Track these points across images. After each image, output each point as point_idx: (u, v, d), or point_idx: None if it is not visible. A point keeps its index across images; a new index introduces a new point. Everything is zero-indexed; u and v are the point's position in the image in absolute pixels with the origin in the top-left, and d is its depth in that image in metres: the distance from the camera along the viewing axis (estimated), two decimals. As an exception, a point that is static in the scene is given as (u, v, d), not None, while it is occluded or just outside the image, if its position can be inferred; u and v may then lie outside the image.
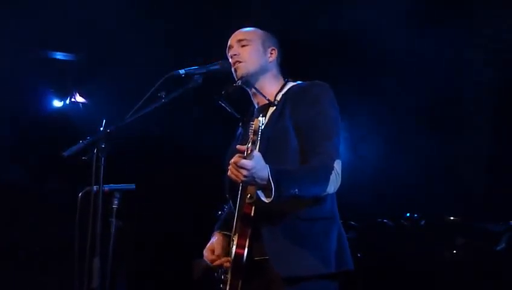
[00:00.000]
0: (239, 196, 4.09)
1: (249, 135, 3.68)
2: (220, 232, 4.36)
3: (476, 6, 7.15)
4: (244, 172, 3.62)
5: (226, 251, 4.21)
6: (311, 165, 3.97)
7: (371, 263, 6.04)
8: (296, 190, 3.78)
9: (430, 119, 6.98)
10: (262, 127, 3.63)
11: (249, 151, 3.59)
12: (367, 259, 6.05)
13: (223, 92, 4.30)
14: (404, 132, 6.79)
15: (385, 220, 6.27)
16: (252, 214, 3.94)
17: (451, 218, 6.24)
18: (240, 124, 4.50)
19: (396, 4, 6.85)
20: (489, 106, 6.91)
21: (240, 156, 3.63)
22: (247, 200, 3.92)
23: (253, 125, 3.56)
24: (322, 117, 4.10)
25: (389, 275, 6.00)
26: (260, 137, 3.73)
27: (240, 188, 4.06)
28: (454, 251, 6.10)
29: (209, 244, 4.35)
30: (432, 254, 6.12)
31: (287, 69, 4.43)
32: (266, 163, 3.77)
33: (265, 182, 3.68)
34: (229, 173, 3.73)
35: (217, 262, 4.22)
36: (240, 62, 4.28)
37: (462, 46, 6.89)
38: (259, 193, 3.77)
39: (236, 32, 4.42)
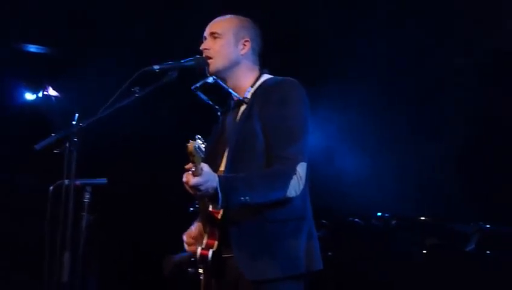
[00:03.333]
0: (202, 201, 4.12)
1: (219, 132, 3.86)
2: (199, 219, 4.35)
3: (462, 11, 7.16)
4: (196, 190, 3.69)
5: (202, 235, 4.22)
6: (271, 170, 3.99)
7: (341, 262, 6.04)
8: (247, 198, 3.81)
9: (402, 121, 7.00)
10: (202, 146, 3.67)
11: (194, 169, 3.64)
12: (338, 258, 6.05)
13: (196, 86, 4.28)
14: (376, 134, 6.79)
15: (356, 220, 6.26)
16: (219, 217, 3.96)
17: (422, 218, 6.26)
18: (219, 120, 4.44)
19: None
20: (460, 109, 6.93)
21: (188, 174, 3.69)
22: (211, 207, 3.97)
23: (188, 148, 3.60)
24: (289, 119, 4.08)
25: (359, 274, 6.02)
26: (231, 149, 4.02)
27: None
28: (425, 251, 6.12)
29: (188, 230, 4.33)
30: (402, 254, 6.15)
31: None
32: (233, 167, 3.94)
33: (215, 192, 3.74)
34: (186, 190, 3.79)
35: (191, 248, 4.22)
36: (210, 58, 4.23)
37: (442, 50, 6.92)
38: (208, 203, 3.88)
39: (211, 22, 4.37)
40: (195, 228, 4.26)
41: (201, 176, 3.64)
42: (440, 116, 6.94)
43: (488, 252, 6.02)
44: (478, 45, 6.98)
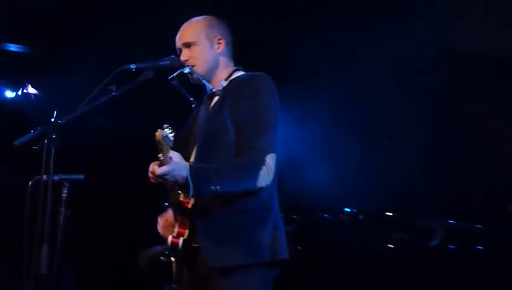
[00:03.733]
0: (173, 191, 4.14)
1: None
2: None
3: (418, 11, 7.21)
4: (163, 179, 3.74)
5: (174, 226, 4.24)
6: (241, 161, 4.02)
7: (311, 255, 6.07)
8: (218, 187, 3.85)
9: (372, 120, 7.05)
10: (170, 135, 3.75)
11: (162, 158, 3.67)
12: (307, 252, 6.08)
13: (172, 76, 4.31)
14: (347, 133, 6.81)
15: (325, 215, 6.28)
16: (190, 206, 4.00)
17: (389, 214, 6.32)
18: (194, 110, 4.49)
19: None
20: (429, 111, 6.99)
21: (154, 164, 3.77)
22: (182, 197, 4.00)
23: (156, 137, 3.63)
24: (259, 111, 4.12)
25: (328, 266, 6.04)
26: (201, 138, 4.06)
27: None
28: (391, 245, 6.14)
29: (165, 213, 4.40)
30: (369, 248, 6.18)
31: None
32: (204, 158, 3.98)
33: (185, 182, 3.76)
34: (152, 181, 3.86)
35: (164, 231, 4.31)
36: (193, 65, 4.30)
37: (405, 55, 6.94)
38: (180, 192, 3.93)
39: (180, 33, 4.42)
40: (169, 213, 4.34)
41: (169, 165, 3.68)
42: (403, 116, 6.98)
43: (450, 246, 6.05)
44: (435, 45, 7.08)
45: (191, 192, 3.78)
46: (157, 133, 3.61)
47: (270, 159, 3.99)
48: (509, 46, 6.83)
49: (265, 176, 3.96)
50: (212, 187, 3.83)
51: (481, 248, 5.99)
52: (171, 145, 3.72)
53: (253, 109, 4.07)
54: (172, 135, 3.76)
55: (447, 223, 6.15)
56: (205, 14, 4.47)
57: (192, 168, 3.79)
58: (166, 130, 3.70)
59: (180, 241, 4.02)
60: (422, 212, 6.37)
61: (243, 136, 4.04)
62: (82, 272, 6.63)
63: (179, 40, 4.36)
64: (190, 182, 3.76)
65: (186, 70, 4.27)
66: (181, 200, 4.02)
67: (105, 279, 6.83)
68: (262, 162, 3.97)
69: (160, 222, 4.34)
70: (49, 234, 4.32)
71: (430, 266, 6.00)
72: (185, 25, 4.41)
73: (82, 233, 5.59)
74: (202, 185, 3.80)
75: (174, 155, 3.72)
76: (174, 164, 3.72)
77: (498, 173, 5.92)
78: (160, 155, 3.69)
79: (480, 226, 6.08)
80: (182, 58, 4.31)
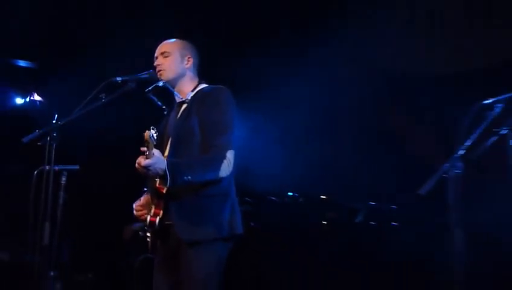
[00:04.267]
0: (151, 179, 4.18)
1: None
2: (147, 193, 4.42)
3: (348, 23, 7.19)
4: (146, 169, 3.86)
5: (149, 205, 4.30)
6: (207, 156, 4.12)
7: (261, 231, 6.13)
8: (189, 177, 3.98)
9: (313, 123, 7.06)
10: (155, 135, 3.81)
11: (147, 153, 3.79)
12: (258, 228, 6.14)
13: (148, 89, 4.36)
14: (289, 131, 6.88)
15: (272, 197, 6.34)
16: (164, 192, 4.07)
17: (323, 197, 6.34)
18: (165, 115, 4.58)
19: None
20: (357, 117, 7.03)
21: (141, 158, 3.86)
22: (158, 184, 4.06)
23: (145, 136, 3.75)
24: (220, 116, 4.21)
25: (275, 240, 6.08)
26: (173, 138, 4.22)
27: None
28: (325, 222, 6.20)
29: (137, 200, 4.42)
30: (308, 225, 6.22)
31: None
32: (176, 154, 4.09)
33: (163, 173, 3.88)
34: (137, 170, 3.95)
35: (140, 213, 4.33)
36: (162, 70, 4.39)
37: (337, 73, 6.98)
38: (156, 180, 4.00)
39: (161, 44, 4.50)
40: (143, 199, 4.37)
41: (152, 159, 3.81)
42: (336, 120, 7.02)
43: (371, 223, 6.12)
44: (360, 64, 7.08)
45: (168, 181, 3.90)
46: (145, 133, 3.73)
47: (230, 155, 4.12)
48: (423, 66, 6.77)
49: (226, 168, 4.09)
50: (185, 177, 3.96)
51: (395, 224, 6.07)
52: (155, 144, 3.80)
53: (215, 114, 4.19)
54: (156, 135, 3.81)
55: (369, 204, 6.22)
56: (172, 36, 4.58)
57: (168, 162, 3.91)
58: (152, 131, 3.76)
59: (157, 219, 4.09)
60: (350, 196, 6.36)
61: (207, 137, 4.15)
62: (77, 244, 6.60)
63: (158, 50, 4.47)
64: (168, 173, 3.88)
65: (160, 84, 4.37)
66: (157, 187, 4.06)
67: (96, 249, 6.80)
68: (223, 157, 4.09)
69: (135, 207, 4.39)
70: (50, 213, 4.40)
71: (356, 238, 6.06)
72: (167, 40, 4.52)
73: (77, 212, 5.58)
74: (177, 176, 3.93)
75: (156, 152, 3.84)
76: (156, 158, 3.84)
77: (409, 166, 5.95)
78: (145, 150, 3.80)
79: (394, 207, 6.13)
80: (156, 63, 4.42)
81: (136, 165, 3.92)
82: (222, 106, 4.24)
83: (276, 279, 6.02)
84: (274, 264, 5.99)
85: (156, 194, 4.14)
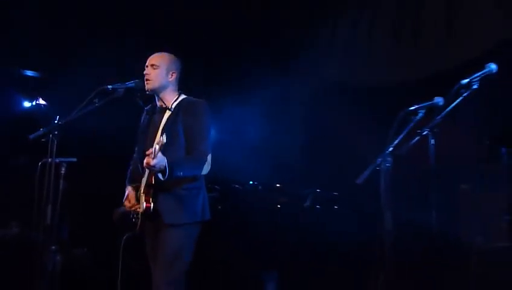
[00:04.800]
0: (147, 172, 4.30)
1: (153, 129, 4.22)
2: (130, 186, 4.50)
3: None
4: (152, 168, 4.04)
5: (136, 198, 4.40)
6: (193, 157, 4.28)
7: (227, 214, 6.11)
8: (181, 173, 4.15)
9: (269, 122, 6.98)
10: (164, 142, 3.95)
11: (155, 153, 3.97)
12: (225, 211, 6.11)
13: (138, 95, 4.47)
14: (246, 123, 6.81)
15: (237, 185, 6.32)
16: (153, 183, 4.22)
17: (278, 185, 6.36)
18: (145, 113, 4.63)
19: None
20: (306, 121, 7.01)
21: (149, 157, 4.00)
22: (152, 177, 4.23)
23: (161, 142, 3.95)
24: (200, 125, 4.36)
25: (238, 220, 6.10)
26: (154, 132, 4.34)
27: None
28: (279, 206, 6.21)
29: (126, 196, 4.48)
30: (265, 208, 6.20)
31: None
32: (165, 152, 4.06)
33: (164, 168, 4.01)
34: (145, 166, 4.14)
35: (132, 208, 4.41)
36: (149, 80, 4.39)
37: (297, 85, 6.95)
38: (159, 174, 4.10)
39: (152, 56, 4.50)
40: (128, 194, 4.45)
41: (157, 159, 3.97)
42: (289, 119, 7.03)
43: (317, 206, 6.12)
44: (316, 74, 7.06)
45: (167, 175, 4.04)
46: (161, 140, 3.94)
47: (209, 157, 4.34)
48: (365, 77, 6.74)
49: (206, 167, 4.34)
50: (178, 173, 4.12)
51: (336, 207, 6.11)
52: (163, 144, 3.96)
53: (197, 124, 4.33)
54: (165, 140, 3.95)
55: (315, 191, 6.20)
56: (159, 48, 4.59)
57: (168, 161, 4.03)
58: (164, 137, 3.93)
59: (152, 205, 4.22)
60: (299, 184, 6.37)
61: (191, 142, 4.30)
62: (74, 224, 6.53)
63: (149, 61, 4.48)
64: (167, 169, 4.02)
65: (149, 92, 4.46)
66: (149, 180, 4.25)
67: (90, 228, 6.74)
68: (205, 159, 4.31)
69: (126, 204, 4.44)
70: (52, 198, 4.37)
71: (305, 220, 6.08)
72: (158, 53, 4.53)
73: (74, 198, 5.51)
74: (173, 171, 4.07)
75: (159, 153, 3.98)
76: (160, 158, 3.98)
77: (349, 160, 5.91)
78: (151, 152, 3.98)
79: (336, 193, 6.17)
80: (145, 72, 4.44)
81: (145, 164, 4.07)
82: (202, 117, 4.37)
83: (237, 255, 5.99)
84: (235, 242, 5.99)
85: (148, 184, 4.28)
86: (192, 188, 4.30)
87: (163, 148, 4.07)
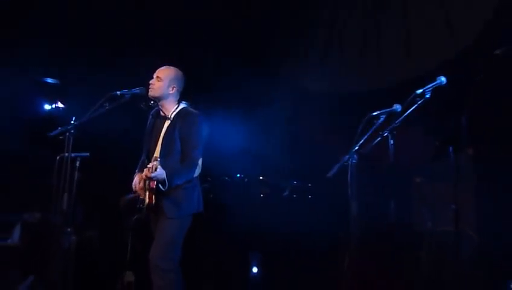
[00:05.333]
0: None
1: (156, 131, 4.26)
2: (138, 173, 4.48)
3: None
4: (151, 178, 4.10)
5: (144, 187, 4.38)
6: (185, 164, 4.31)
7: (218, 201, 6.05)
8: (178, 182, 4.21)
9: (251, 118, 6.83)
10: (158, 164, 4.04)
11: (152, 169, 4.04)
12: (215, 198, 6.07)
13: (142, 101, 4.50)
14: (235, 125, 6.65)
15: (226, 177, 6.32)
16: (154, 187, 4.23)
17: (261, 177, 6.34)
18: (151, 117, 4.63)
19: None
20: (284, 125, 6.91)
21: (149, 171, 4.06)
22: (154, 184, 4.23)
23: (155, 164, 4.04)
24: (193, 135, 4.38)
25: (227, 208, 6.02)
26: (163, 145, 4.34)
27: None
28: (262, 195, 6.23)
29: (134, 181, 4.48)
30: (249, 196, 6.22)
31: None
32: (165, 155, 4.23)
33: (163, 180, 4.09)
34: (143, 177, 4.19)
35: (140, 191, 4.39)
36: (151, 89, 4.39)
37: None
38: (160, 185, 4.16)
39: (159, 69, 4.51)
40: (138, 179, 4.43)
41: (157, 171, 4.05)
42: (272, 122, 6.93)
43: (294, 196, 6.12)
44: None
45: (166, 186, 4.13)
46: (155, 163, 4.03)
47: (200, 162, 4.38)
48: (333, 86, 6.74)
49: (197, 171, 4.39)
50: (175, 182, 4.20)
51: (310, 197, 6.13)
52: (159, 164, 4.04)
53: (191, 133, 4.37)
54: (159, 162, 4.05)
55: (292, 183, 6.20)
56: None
57: (167, 174, 4.11)
58: (159, 160, 4.06)
59: (154, 201, 4.27)
60: (280, 177, 6.35)
61: (185, 148, 4.35)
62: (87, 209, 6.50)
63: (157, 72, 4.52)
64: (166, 181, 4.11)
65: (151, 99, 4.50)
66: (153, 185, 4.23)
67: (100, 213, 6.70)
68: (196, 164, 4.36)
69: (134, 188, 4.45)
70: (68, 187, 4.36)
71: (284, 207, 6.07)
72: (166, 66, 4.55)
73: (88, 186, 5.50)
74: (171, 182, 4.16)
75: (159, 167, 4.04)
76: (160, 171, 4.06)
77: (321, 158, 5.89)
78: (151, 166, 4.04)
79: (310, 185, 6.16)
80: (150, 82, 4.46)
81: (144, 176, 4.13)
82: (195, 127, 4.38)
83: (226, 238, 5.98)
84: (225, 227, 5.95)
85: (150, 188, 4.30)
86: (188, 187, 4.36)
87: (163, 154, 4.25)
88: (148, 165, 4.07)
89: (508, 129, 4.81)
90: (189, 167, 4.30)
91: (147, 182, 4.29)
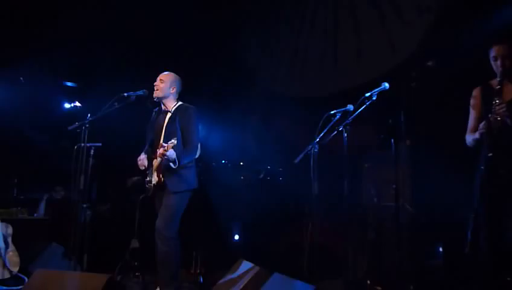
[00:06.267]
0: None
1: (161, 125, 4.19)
2: (144, 154, 4.42)
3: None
4: (165, 157, 4.03)
5: (150, 168, 4.36)
6: (188, 148, 4.25)
7: (207, 182, 5.80)
8: (185, 161, 4.17)
9: (234, 117, 6.72)
10: (175, 142, 3.97)
11: (169, 148, 3.98)
12: (205, 180, 5.78)
13: (147, 100, 4.43)
14: (222, 123, 6.53)
15: (213, 163, 6.18)
16: (159, 164, 4.24)
17: (241, 163, 6.27)
18: (154, 114, 4.55)
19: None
20: (260, 125, 6.82)
21: (164, 150, 3.98)
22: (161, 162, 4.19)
23: (172, 143, 3.95)
24: (191, 125, 4.32)
25: (214, 188, 5.87)
26: (166, 133, 4.26)
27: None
28: (242, 177, 6.12)
29: (141, 156, 4.39)
30: (231, 179, 6.11)
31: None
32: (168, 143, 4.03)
33: (173, 159, 4.05)
34: (158, 156, 4.12)
35: (147, 171, 4.34)
36: (156, 90, 4.33)
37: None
38: (171, 164, 4.11)
39: (162, 74, 4.45)
40: (144, 157, 4.37)
41: (169, 152, 4.00)
42: (250, 119, 6.83)
43: (268, 178, 6.03)
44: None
45: (176, 164, 4.10)
46: (170, 143, 3.94)
47: (198, 145, 4.34)
48: (297, 90, 6.64)
49: (198, 152, 4.35)
50: (182, 162, 4.16)
51: (281, 179, 6.09)
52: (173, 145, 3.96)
53: (188, 125, 4.31)
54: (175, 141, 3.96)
55: (266, 167, 6.14)
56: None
57: (177, 155, 4.08)
58: (174, 141, 3.95)
59: (162, 179, 4.23)
60: (256, 163, 6.27)
61: (185, 137, 4.28)
62: (100, 188, 6.42)
63: (160, 76, 4.45)
64: (176, 161, 4.08)
65: (156, 99, 4.40)
66: (157, 162, 4.22)
67: (111, 191, 6.64)
68: (196, 148, 4.30)
69: (139, 162, 4.34)
70: (84, 170, 4.30)
71: (259, 188, 6.04)
72: (166, 72, 4.48)
73: (100, 169, 5.43)
74: (179, 161, 4.12)
75: (171, 149, 3.98)
76: (172, 152, 4.01)
77: (289, 147, 5.66)
78: (166, 146, 3.94)
79: (281, 169, 6.10)
80: (155, 83, 4.40)
81: (159, 154, 4.05)
82: (192, 119, 4.32)
83: (213, 211, 5.87)
84: (212, 202, 5.86)
85: (158, 165, 4.28)
86: (189, 166, 4.30)
87: (167, 139, 4.10)
88: (164, 144, 4.01)
89: (437, 125, 4.87)
90: (191, 150, 4.26)
91: (154, 166, 4.26)
